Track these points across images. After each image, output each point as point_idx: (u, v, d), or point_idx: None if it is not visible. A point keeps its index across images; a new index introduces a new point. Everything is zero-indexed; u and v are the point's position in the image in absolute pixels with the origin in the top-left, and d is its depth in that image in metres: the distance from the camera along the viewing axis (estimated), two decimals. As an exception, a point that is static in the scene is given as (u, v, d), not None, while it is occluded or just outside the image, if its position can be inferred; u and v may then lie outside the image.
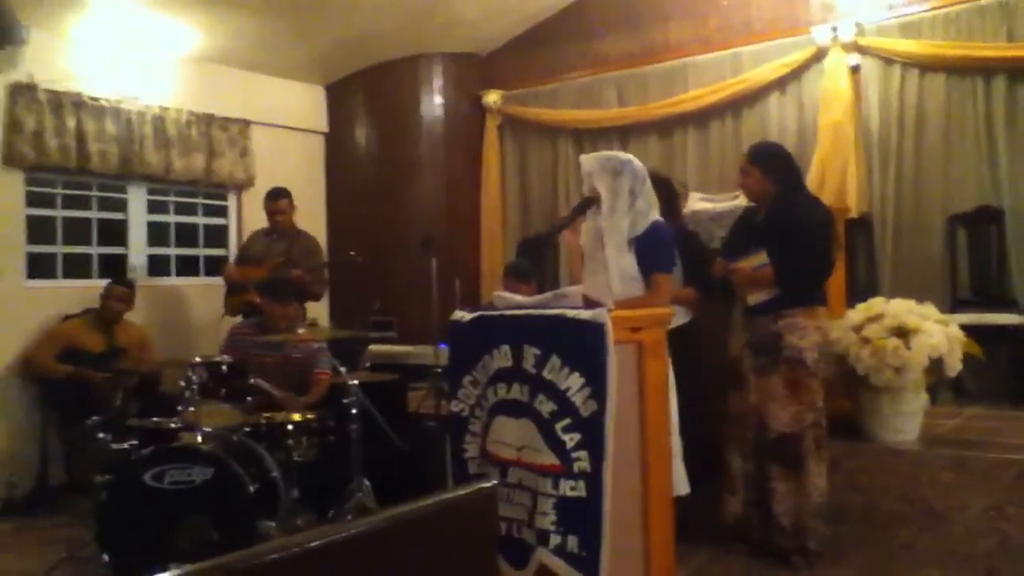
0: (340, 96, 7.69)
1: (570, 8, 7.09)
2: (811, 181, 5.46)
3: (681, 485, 3.40)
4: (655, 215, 3.54)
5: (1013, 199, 5.24)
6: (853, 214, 5.43)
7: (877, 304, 4.05)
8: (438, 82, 7.48)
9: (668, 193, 4.11)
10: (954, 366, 3.89)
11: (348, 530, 1.46)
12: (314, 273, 5.60)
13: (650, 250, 3.48)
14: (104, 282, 5.61)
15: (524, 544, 2.85)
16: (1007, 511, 3.64)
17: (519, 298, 3.30)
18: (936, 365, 3.85)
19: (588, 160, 3.55)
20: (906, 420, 4.03)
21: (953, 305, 5.21)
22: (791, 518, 3.62)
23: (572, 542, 2.75)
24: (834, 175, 5.68)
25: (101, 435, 3.91)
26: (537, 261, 5.80)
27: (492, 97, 7.38)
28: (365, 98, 7.63)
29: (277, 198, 5.76)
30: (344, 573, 1.39)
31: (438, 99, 7.47)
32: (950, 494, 3.77)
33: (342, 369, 4.37)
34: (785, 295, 3.63)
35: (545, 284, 5.11)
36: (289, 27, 6.53)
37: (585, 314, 2.84)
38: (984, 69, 5.37)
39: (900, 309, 3.94)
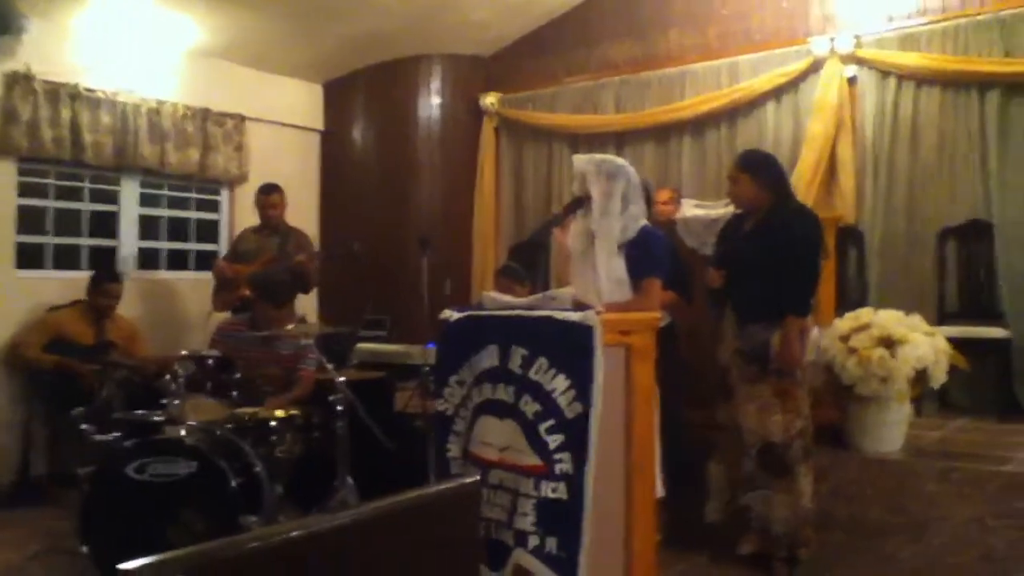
0: (338, 94, 7.70)
1: (573, 13, 7.10)
2: (796, 188, 5.48)
3: (658, 488, 3.40)
4: (644, 221, 3.55)
5: (1003, 214, 5.25)
6: (845, 224, 5.44)
7: (865, 314, 4.06)
8: (436, 83, 7.49)
9: (647, 197, 4.13)
10: (939, 377, 3.91)
11: (331, 522, 1.46)
12: (310, 260, 5.60)
13: (642, 255, 3.48)
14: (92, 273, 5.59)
15: (502, 545, 2.84)
16: (990, 523, 3.65)
17: (508, 298, 3.29)
18: (922, 376, 3.86)
19: (582, 160, 3.54)
20: (891, 430, 4.05)
21: (941, 317, 5.22)
22: (783, 526, 3.62)
23: (551, 543, 2.73)
24: (820, 184, 5.70)
25: (85, 426, 3.88)
26: (530, 264, 5.81)
27: (490, 99, 7.38)
28: (363, 97, 7.64)
29: (269, 193, 5.76)
30: (326, 564, 1.38)
31: (436, 100, 7.49)
32: (934, 505, 3.77)
33: (329, 366, 4.35)
34: (776, 305, 3.63)
35: (537, 287, 5.11)
36: (291, 25, 6.53)
37: (574, 316, 2.83)
38: (980, 83, 5.39)
39: (887, 320, 3.96)
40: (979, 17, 5.40)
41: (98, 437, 3.83)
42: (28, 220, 5.76)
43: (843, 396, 4.04)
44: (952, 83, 5.50)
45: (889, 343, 3.85)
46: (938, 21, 5.55)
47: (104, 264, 5.99)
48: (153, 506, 3.48)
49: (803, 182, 5.69)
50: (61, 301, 5.63)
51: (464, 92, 7.53)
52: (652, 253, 3.51)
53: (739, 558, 3.73)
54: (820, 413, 3.83)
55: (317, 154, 7.71)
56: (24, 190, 5.72)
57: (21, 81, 5.51)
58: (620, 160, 3.59)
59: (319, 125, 7.67)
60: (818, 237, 3.73)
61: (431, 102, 7.49)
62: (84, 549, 3.48)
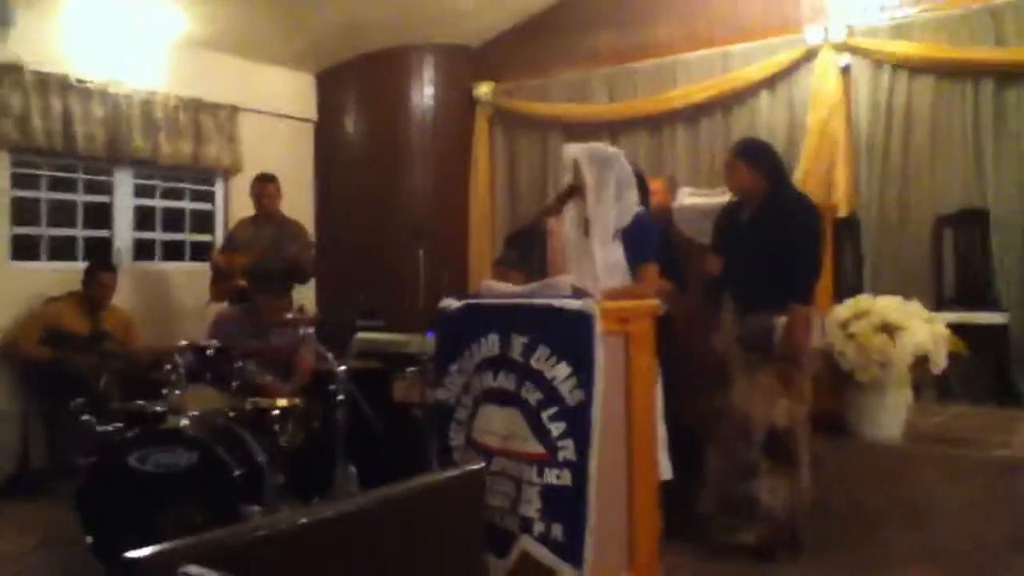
0: (331, 85, 7.66)
1: (563, 3, 7.07)
2: (797, 179, 5.49)
3: (665, 471, 3.42)
4: (637, 208, 3.56)
5: (998, 201, 5.27)
6: (841, 213, 5.45)
7: (864, 301, 4.07)
8: (429, 73, 7.46)
9: (642, 185, 4.14)
10: (939, 363, 3.92)
11: (338, 508, 1.46)
12: (305, 251, 5.60)
13: (639, 241, 3.50)
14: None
15: (506, 532, 2.86)
16: (988, 509, 3.67)
17: (507, 287, 3.30)
18: (921, 362, 3.88)
19: (575, 149, 3.55)
20: (890, 417, 4.06)
21: (938, 304, 5.24)
22: (785, 512, 3.63)
23: (556, 530, 2.76)
24: (820, 174, 5.71)
25: (85, 417, 3.87)
26: (527, 252, 5.80)
27: (483, 89, 7.37)
28: (356, 87, 7.60)
29: (265, 182, 5.75)
30: (333, 550, 1.39)
31: (429, 90, 7.46)
32: (932, 491, 3.79)
33: (329, 355, 4.34)
34: (778, 292, 3.64)
35: (534, 275, 5.11)
36: (281, 14, 6.49)
37: (574, 304, 2.85)
38: (973, 72, 5.39)
39: (887, 306, 3.97)
40: (971, 6, 5.40)
41: (99, 428, 3.82)
42: (22, 212, 5.73)
43: (842, 383, 4.06)
44: (946, 72, 5.51)
45: (888, 329, 3.87)
46: (930, 10, 5.55)
47: (99, 254, 5.97)
48: (155, 496, 3.47)
49: (815, 172, 5.70)
50: (57, 292, 5.60)
51: (456, 82, 7.50)
52: (648, 239, 3.53)
53: (729, 548, 3.71)
54: (818, 400, 3.85)
55: (311, 144, 7.67)
56: (17, 182, 5.68)
57: (11, 72, 5.46)
58: (612, 148, 3.60)
59: (312, 115, 7.64)
60: (817, 225, 3.75)
61: (423, 92, 7.45)
62: (88, 539, 3.47)
